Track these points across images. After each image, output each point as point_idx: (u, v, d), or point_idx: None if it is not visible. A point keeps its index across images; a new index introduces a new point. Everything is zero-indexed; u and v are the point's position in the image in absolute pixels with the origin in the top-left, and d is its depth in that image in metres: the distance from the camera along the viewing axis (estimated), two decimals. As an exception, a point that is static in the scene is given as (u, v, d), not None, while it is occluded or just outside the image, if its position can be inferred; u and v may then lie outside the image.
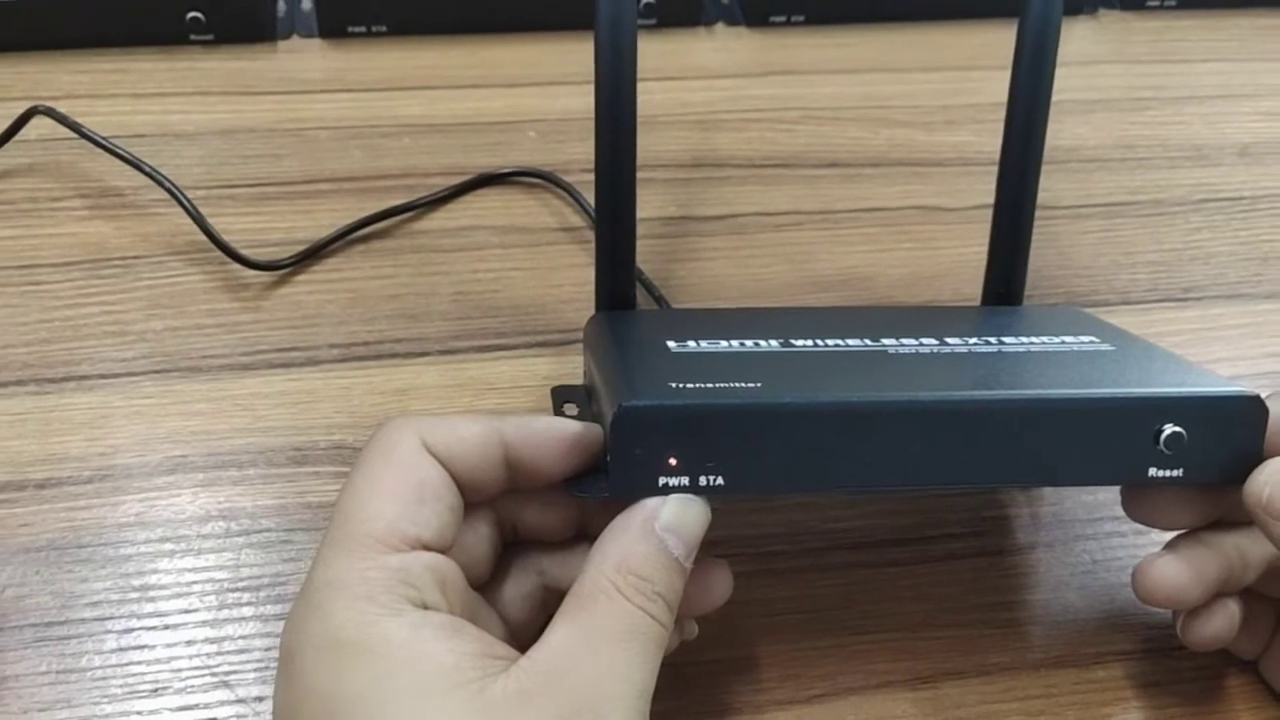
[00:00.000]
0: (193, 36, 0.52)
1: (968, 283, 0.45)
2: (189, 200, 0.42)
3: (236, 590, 0.34)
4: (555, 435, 0.29)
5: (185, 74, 0.51)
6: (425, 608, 0.26)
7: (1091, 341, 0.34)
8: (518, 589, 0.31)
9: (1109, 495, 0.39)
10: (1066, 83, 0.55)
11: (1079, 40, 0.59)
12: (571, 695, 0.24)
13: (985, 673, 0.35)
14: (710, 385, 0.29)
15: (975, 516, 0.38)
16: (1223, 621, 0.32)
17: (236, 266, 0.42)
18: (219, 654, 0.33)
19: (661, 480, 0.28)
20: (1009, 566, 0.37)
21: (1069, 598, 0.37)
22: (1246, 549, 0.32)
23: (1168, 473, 0.30)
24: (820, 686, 0.34)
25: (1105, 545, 0.38)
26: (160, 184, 0.42)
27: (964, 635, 0.35)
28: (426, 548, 0.27)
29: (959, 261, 0.46)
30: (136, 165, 0.43)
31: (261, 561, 0.35)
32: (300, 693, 0.25)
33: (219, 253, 0.42)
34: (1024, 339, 0.34)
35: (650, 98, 0.52)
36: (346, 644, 0.24)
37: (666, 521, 0.27)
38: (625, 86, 0.35)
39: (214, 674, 0.32)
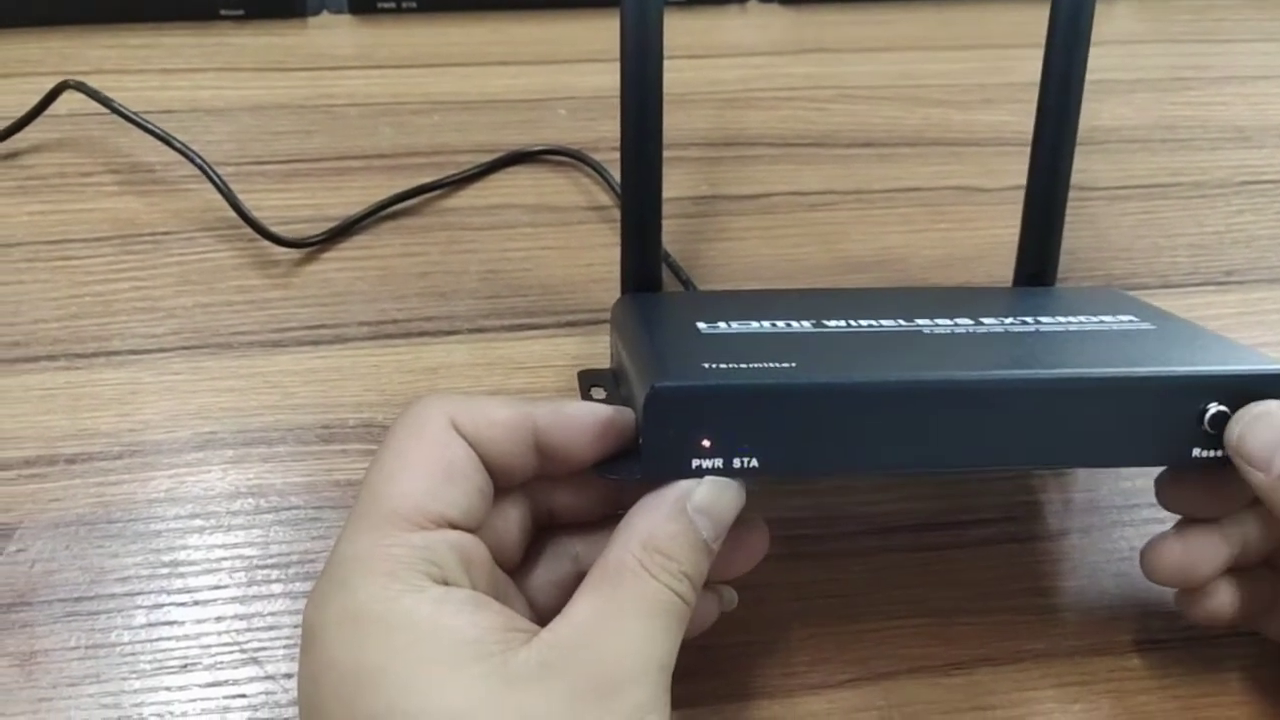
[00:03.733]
0: (223, 12, 0.52)
1: (1003, 264, 0.44)
2: (219, 176, 0.42)
3: (266, 567, 0.34)
4: (586, 420, 0.28)
5: (215, 50, 0.51)
6: (447, 585, 0.25)
7: (1131, 321, 0.33)
8: (549, 574, 0.30)
9: (1145, 481, 0.38)
10: (1107, 62, 0.55)
11: (1120, 19, 0.58)
12: (593, 668, 0.24)
13: (1019, 659, 0.34)
14: (744, 365, 0.28)
15: (1009, 502, 0.38)
16: (1223, 597, 0.32)
17: (266, 243, 0.42)
18: (248, 630, 0.33)
19: (695, 462, 0.27)
20: (1043, 552, 0.37)
21: (1104, 584, 0.36)
22: (1260, 521, 0.31)
23: (1211, 453, 0.29)
24: (851, 671, 0.34)
25: (1142, 532, 0.37)
26: (190, 160, 0.42)
27: (997, 621, 0.35)
28: (453, 526, 0.26)
29: (995, 242, 0.46)
30: (167, 140, 0.42)
31: (290, 539, 0.35)
32: (321, 667, 0.25)
33: (249, 229, 0.42)
34: (1061, 319, 0.33)
35: (682, 75, 0.52)
36: (368, 619, 0.24)
37: (699, 503, 0.27)
38: (651, 67, 0.34)
39: (243, 650, 0.32)
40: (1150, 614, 0.35)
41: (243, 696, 0.32)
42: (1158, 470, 0.33)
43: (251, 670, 0.32)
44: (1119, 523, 0.37)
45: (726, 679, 0.33)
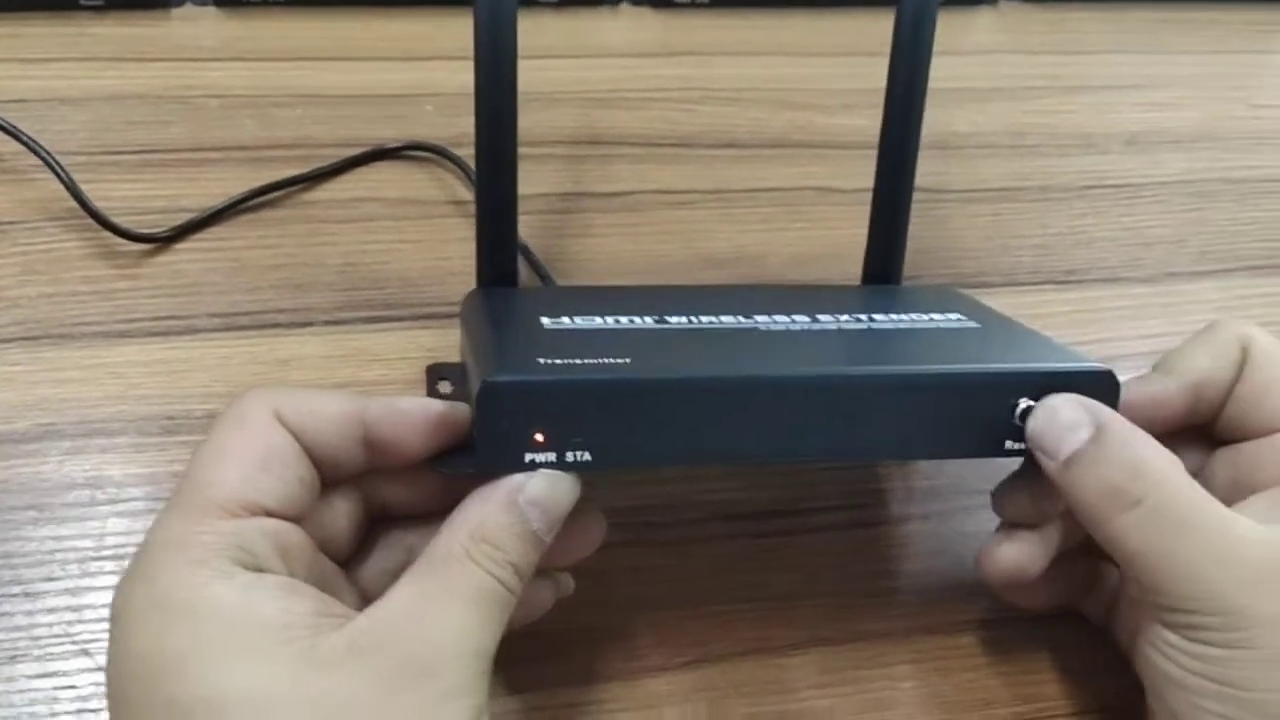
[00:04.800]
0: (83, 2, 0.51)
1: (857, 262, 0.45)
2: (63, 167, 0.41)
3: (100, 559, 0.34)
4: (417, 415, 0.28)
5: (75, 40, 0.50)
6: (260, 572, 0.25)
7: (958, 319, 0.35)
8: (382, 564, 0.30)
9: (986, 469, 0.39)
10: (964, 70, 0.57)
11: (979, 30, 0.60)
12: (402, 651, 0.24)
13: (855, 639, 0.35)
14: (578, 361, 0.29)
15: (853, 489, 0.39)
16: (1045, 587, 0.34)
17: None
18: (79, 622, 0.32)
19: (528, 456, 0.28)
20: (884, 537, 0.38)
21: (941, 567, 0.37)
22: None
23: (1022, 445, 0.31)
24: (692, 653, 0.34)
25: (978, 518, 0.38)
26: (35, 151, 0.41)
27: (836, 604, 0.36)
28: (269, 515, 0.26)
29: (851, 242, 0.47)
30: (11, 131, 0.41)
31: (127, 530, 0.34)
32: (124, 654, 0.24)
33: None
34: (894, 316, 0.34)
35: (551, 74, 0.53)
36: (171, 605, 0.24)
37: (531, 495, 0.27)
38: (504, 61, 0.35)
39: (74, 642, 0.32)
40: (981, 594, 0.37)
41: (73, 688, 0.31)
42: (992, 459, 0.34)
43: (82, 661, 0.32)
44: (958, 509, 0.39)
45: (568, 662, 0.34)
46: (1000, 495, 0.33)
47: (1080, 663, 0.36)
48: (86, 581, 0.33)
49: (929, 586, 0.37)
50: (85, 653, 0.32)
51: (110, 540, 0.34)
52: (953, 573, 0.37)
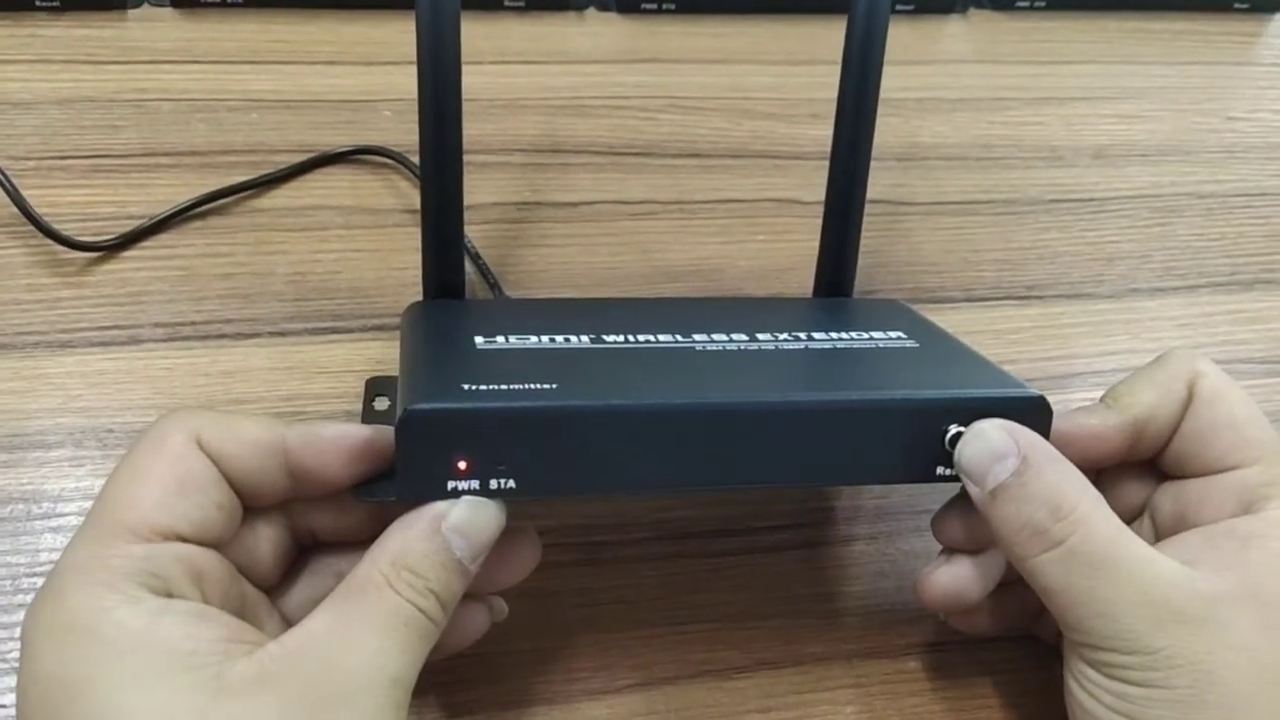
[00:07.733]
0: (39, 3, 0.50)
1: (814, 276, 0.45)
2: (5, 174, 0.40)
3: (34, 576, 0.33)
4: (340, 442, 0.28)
5: (27, 41, 0.49)
6: (171, 597, 0.25)
7: (899, 338, 0.34)
8: (309, 591, 0.30)
9: (937, 488, 0.39)
10: (932, 81, 0.56)
11: (948, 39, 0.60)
12: (314, 679, 0.24)
13: (799, 662, 0.35)
14: (503, 387, 0.28)
15: (802, 509, 0.39)
16: (989, 613, 0.34)
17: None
18: (10, 640, 0.32)
19: (451, 484, 0.28)
20: (832, 558, 0.38)
21: (887, 589, 0.37)
22: None
23: (952, 471, 0.30)
24: (634, 676, 0.34)
25: (927, 538, 0.38)
26: (-22, 155, 0.40)
27: (782, 626, 0.36)
28: (184, 540, 0.26)
29: (810, 255, 0.46)
30: (-44, 134, 0.41)
31: (62, 547, 0.33)
32: (30, 678, 0.24)
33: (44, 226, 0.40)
34: (834, 334, 0.34)
35: (513, 80, 0.52)
36: (77, 629, 0.24)
37: (454, 523, 0.27)
38: (447, 64, 0.34)
39: (4, 661, 0.32)
40: (928, 618, 0.36)
41: (2, 708, 0.31)
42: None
43: (12, 680, 0.31)
44: (906, 530, 0.39)
45: (506, 685, 0.33)
46: (938, 520, 0.33)
47: (1026, 686, 0.35)
48: (19, 599, 0.33)
49: (876, 608, 0.37)
50: (15, 672, 0.31)
51: (44, 557, 0.33)
52: (899, 595, 0.37)
